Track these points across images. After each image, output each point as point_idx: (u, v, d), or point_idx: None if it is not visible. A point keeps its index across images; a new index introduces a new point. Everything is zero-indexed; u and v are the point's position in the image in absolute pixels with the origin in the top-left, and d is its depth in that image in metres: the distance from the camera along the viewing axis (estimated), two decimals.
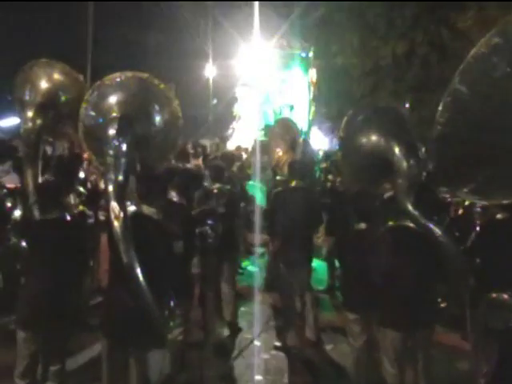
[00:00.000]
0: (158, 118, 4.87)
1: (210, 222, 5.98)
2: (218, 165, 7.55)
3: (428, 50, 18.89)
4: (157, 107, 4.87)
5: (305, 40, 16.47)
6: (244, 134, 17.50)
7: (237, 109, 18.62)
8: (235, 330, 7.57)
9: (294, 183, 7.18)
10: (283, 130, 9.80)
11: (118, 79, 4.78)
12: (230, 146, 16.71)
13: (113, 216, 3.73)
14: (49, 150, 6.93)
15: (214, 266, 6.66)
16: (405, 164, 4.72)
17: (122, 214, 3.76)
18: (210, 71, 32.24)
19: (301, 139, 9.00)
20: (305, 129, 16.19)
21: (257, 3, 16.39)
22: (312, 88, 17.44)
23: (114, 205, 3.76)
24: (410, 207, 4.56)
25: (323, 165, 12.61)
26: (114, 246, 3.87)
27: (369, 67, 19.98)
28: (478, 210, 6.01)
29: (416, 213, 4.54)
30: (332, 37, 19.56)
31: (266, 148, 13.79)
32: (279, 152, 9.24)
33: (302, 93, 16.40)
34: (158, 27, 32.23)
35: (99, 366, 4.50)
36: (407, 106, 18.94)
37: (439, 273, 4.82)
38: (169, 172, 5.48)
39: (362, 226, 5.42)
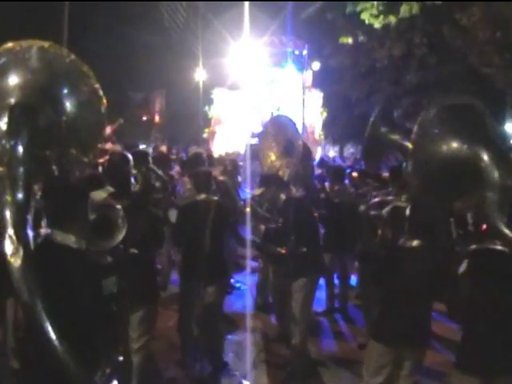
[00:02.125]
0: (70, 102, 3.48)
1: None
2: (203, 172, 6.49)
3: (426, 51, 18.16)
4: (67, 87, 3.49)
5: (298, 37, 15.53)
6: (229, 139, 16.51)
7: (213, 111, 17.58)
8: (218, 365, 6.13)
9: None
10: (276, 130, 8.15)
11: (9, 52, 3.38)
12: (216, 151, 15.73)
13: (10, 251, 2.61)
14: None
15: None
16: (496, 173, 3.79)
17: (22, 248, 2.62)
18: (200, 74, 31.47)
19: (299, 141, 7.70)
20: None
21: (247, 2, 15.65)
22: (307, 90, 16.47)
23: (12, 234, 2.63)
24: (502, 227, 3.57)
25: (318, 171, 11.84)
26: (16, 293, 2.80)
27: (364, 69, 19.32)
28: None
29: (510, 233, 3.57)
30: (325, 37, 18.95)
31: (257, 153, 13.01)
32: (271, 156, 7.96)
33: (295, 93, 15.31)
34: (149, 29, 31.74)
35: None
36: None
37: None
38: (92, 178, 4.16)
39: (415, 243, 4.44)
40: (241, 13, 15.60)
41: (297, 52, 15.40)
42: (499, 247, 3.84)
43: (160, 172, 7.85)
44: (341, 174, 8.90)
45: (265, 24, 16.47)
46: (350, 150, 44.34)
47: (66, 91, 3.49)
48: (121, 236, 3.66)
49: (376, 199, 6.82)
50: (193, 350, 5.81)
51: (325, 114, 17.16)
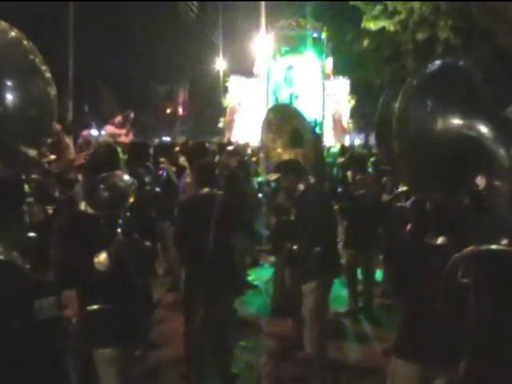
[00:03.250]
0: (13, 88, 2.86)
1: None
2: (205, 164, 5.95)
3: (451, 34, 17.36)
4: (9, 70, 2.87)
5: (316, 20, 14.78)
6: (247, 128, 15.84)
7: (229, 100, 16.88)
8: (227, 380, 5.63)
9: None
10: (279, 121, 7.46)
11: None
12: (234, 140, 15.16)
13: None
14: None
15: None
16: (503, 152, 2.90)
17: None
18: (220, 63, 30.93)
19: (309, 133, 7.12)
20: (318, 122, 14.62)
21: None
22: (331, 78, 15.72)
23: None
24: None
25: (340, 160, 11.24)
26: None
27: (387, 54, 18.61)
28: None
29: None
30: (346, 22, 18.29)
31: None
32: (277, 149, 7.17)
33: (315, 80, 14.63)
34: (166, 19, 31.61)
35: None
36: None
37: None
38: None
39: (441, 240, 3.78)
40: None
41: (316, 35, 14.63)
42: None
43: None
44: (362, 163, 8.31)
45: (282, 7, 15.84)
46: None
47: (6, 74, 2.88)
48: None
49: (400, 189, 6.23)
50: (198, 363, 5.31)
51: (353, 102, 16.40)
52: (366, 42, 18.49)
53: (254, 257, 9.99)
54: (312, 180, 6.18)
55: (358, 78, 19.32)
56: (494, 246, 2.92)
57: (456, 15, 16.97)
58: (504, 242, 2.88)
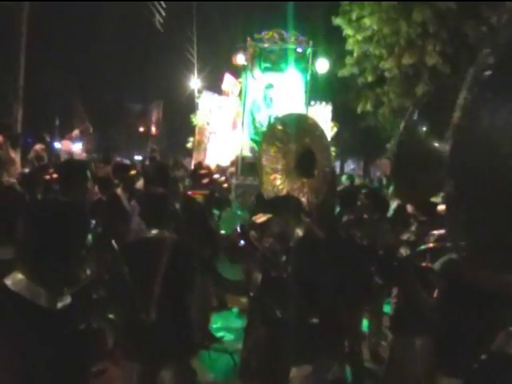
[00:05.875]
0: None
1: None
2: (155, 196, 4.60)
3: (439, 60, 16.51)
4: None
5: (301, 34, 13.50)
6: (221, 150, 14.50)
7: (199, 118, 15.54)
8: None
9: None
10: (287, 135, 5.29)
11: None
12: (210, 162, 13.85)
13: None
14: None
15: None
16: None
17: None
18: (194, 82, 29.79)
19: (327, 155, 5.05)
20: None
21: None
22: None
23: None
24: None
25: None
26: None
27: (371, 79, 17.73)
28: None
29: None
30: (331, 43, 17.41)
31: (250, 167, 11.18)
32: (275, 174, 5.32)
33: (297, 102, 13.30)
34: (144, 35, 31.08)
35: None
36: None
37: None
38: None
39: None
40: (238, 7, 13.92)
41: (300, 50, 13.32)
42: None
43: None
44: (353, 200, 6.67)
45: (263, 19, 14.68)
46: (350, 166, 42.80)
47: None
48: None
49: (430, 243, 4.56)
50: None
51: (335, 129, 15.17)
52: (349, 66, 17.65)
53: (220, 298, 8.73)
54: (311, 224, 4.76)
55: (340, 103, 18.38)
56: None
57: (445, 38, 16.20)
58: None
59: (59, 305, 2.36)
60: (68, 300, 2.43)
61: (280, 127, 5.43)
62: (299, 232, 4.37)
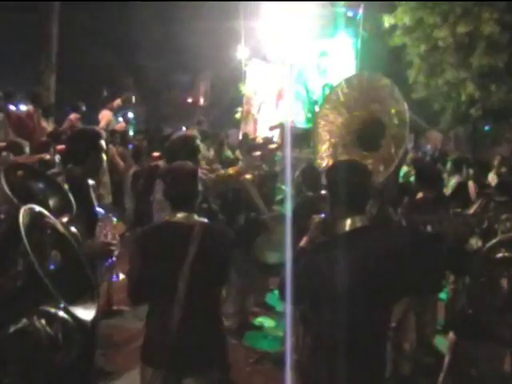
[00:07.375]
0: None
1: None
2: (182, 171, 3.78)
3: (496, 29, 15.84)
4: None
5: None
6: (269, 121, 13.97)
7: (247, 87, 14.96)
8: None
9: None
10: (355, 100, 4.41)
11: None
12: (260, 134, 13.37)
13: None
14: None
15: None
16: None
17: None
18: (241, 51, 29.17)
19: (400, 129, 4.02)
20: None
21: None
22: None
23: None
24: None
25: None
26: None
27: (424, 49, 17.16)
28: None
29: None
30: (381, 13, 16.82)
31: (299, 138, 10.70)
32: (336, 145, 4.35)
33: (349, 67, 12.64)
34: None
35: None
36: None
37: None
38: None
39: None
40: None
41: (350, 14, 12.76)
42: None
43: None
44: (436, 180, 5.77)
45: None
46: None
47: None
48: None
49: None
50: None
51: None
52: (401, 35, 17.10)
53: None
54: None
55: (391, 73, 17.82)
56: None
57: (503, 7, 15.52)
58: None
59: None
60: None
61: (345, 88, 4.53)
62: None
